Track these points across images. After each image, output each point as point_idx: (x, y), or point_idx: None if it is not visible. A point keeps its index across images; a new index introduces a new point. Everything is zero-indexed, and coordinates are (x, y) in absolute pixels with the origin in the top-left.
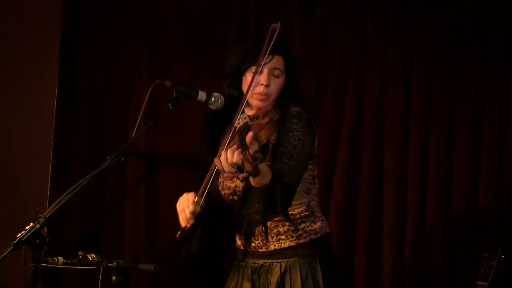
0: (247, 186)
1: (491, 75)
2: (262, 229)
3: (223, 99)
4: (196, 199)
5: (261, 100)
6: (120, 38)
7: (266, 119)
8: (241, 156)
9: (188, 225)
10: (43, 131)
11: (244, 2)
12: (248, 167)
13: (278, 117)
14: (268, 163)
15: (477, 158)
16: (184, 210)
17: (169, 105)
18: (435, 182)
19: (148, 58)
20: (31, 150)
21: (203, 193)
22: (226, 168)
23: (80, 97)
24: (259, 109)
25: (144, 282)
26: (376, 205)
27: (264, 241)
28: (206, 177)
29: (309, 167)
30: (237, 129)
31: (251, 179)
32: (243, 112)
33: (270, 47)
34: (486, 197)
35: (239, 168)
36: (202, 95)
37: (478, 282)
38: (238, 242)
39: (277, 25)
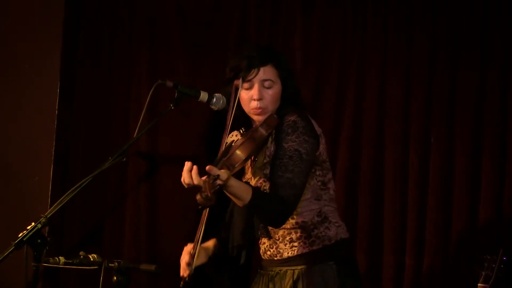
0: (232, 206)
1: (491, 75)
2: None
3: (224, 99)
4: (191, 251)
5: (258, 114)
6: (120, 38)
7: (245, 137)
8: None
9: (185, 275)
10: (45, 131)
11: (244, 2)
12: (200, 195)
13: (271, 129)
14: (260, 179)
15: (478, 159)
16: (182, 260)
17: (171, 105)
18: (436, 183)
19: (148, 58)
20: (32, 150)
21: (198, 241)
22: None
23: (81, 97)
24: (260, 121)
25: (145, 283)
26: (377, 206)
27: (276, 251)
28: (199, 226)
29: (317, 173)
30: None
31: (234, 199)
32: (238, 129)
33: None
34: (487, 198)
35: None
36: (203, 96)
37: (479, 284)
38: (260, 251)
39: (238, 82)
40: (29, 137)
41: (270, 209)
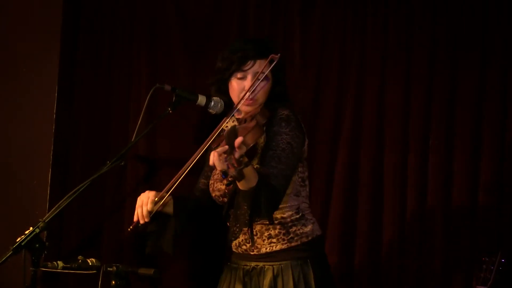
0: (235, 189)
1: (491, 75)
2: (248, 232)
3: (223, 103)
4: (156, 199)
5: (248, 105)
6: (120, 38)
7: (253, 123)
8: (226, 160)
9: (142, 222)
10: (43, 133)
11: (244, 2)
12: (232, 171)
13: (266, 120)
14: (257, 166)
15: (477, 159)
16: (141, 206)
17: (169, 109)
18: (435, 184)
19: (148, 58)
20: (30, 153)
21: (167, 192)
22: (218, 166)
23: (80, 98)
24: (247, 113)
25: (144, 287)
26: (376, 206)
27: (252, 244)
28: (174, 178)
29: (299, 169)
30: (224, 132)
31: (237, 182)
32: (232, 116)
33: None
34: (486, 199)
35: (224, 172)
36: (201, 99)
37: (478, 286)
38: (230, 244)
39: (276, 56)
40: (27, 139)
41: (269, 196)
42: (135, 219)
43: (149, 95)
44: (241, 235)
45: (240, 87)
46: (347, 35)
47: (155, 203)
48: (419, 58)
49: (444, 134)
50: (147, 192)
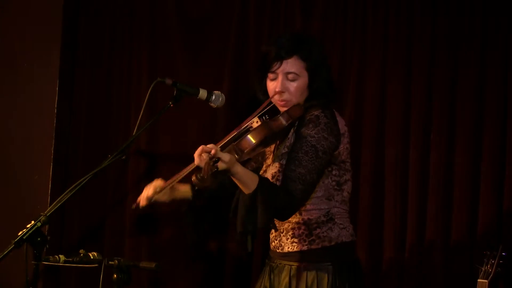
0: (239, 191)
1: (491, 75)
2: (246, 238)
3: (223, 97)
4: (158, 188)
5: (282, 106)
6: (120, 37)
7: (257, 124)
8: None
9: (140, 204)
10: (44, 130)
11: (244, 2)
12: (195, 175)
13: (292, 120)
14: (276, 165)
15: (478, 156)
16: (146, 189)
17: (170, 103)
18: (436, 181)
19: (148, 58)
20: (32, 149)
21: (170, 184)
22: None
23: (80, 96)
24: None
25: (145, 280)
26: (377, 203)
27: (278, 243)
28: (181, 172)
29: (333, 172)
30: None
31: (240, 186)
32: (261, 116)
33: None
34: (487, 194)
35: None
36: (203, 93)
37: (479, 280)
38: (270, 240)
39: None
40: (28, 136)
41: (275, 201)
42: (138, 199)
43: (150, 88)
44: (273, 231)
45: (273, 87)
46: (347, 35)
47: (157, 192)
48: (419, 57)
49: (445, 132)
50: (159, 179)
